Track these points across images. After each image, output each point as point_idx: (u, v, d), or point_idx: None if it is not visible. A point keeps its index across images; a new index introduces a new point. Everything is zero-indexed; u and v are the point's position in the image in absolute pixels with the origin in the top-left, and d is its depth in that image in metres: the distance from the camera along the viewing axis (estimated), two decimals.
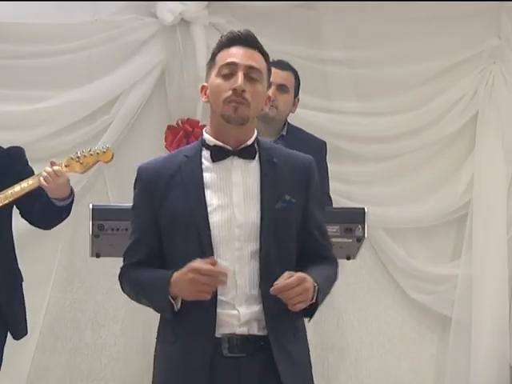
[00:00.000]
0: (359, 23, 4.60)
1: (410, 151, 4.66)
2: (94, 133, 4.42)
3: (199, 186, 2.32)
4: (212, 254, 2.27)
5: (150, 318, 4.45)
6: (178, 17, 4.40)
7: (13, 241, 3.43)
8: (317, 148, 3.59)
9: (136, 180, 2.42)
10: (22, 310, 3.40)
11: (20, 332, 3.40)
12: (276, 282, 2.22)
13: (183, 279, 2.23)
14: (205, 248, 2.28)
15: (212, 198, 2.32)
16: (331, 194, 3.71)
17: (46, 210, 3.35)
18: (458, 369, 4.59)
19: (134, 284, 2.39)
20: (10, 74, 4.35)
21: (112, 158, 3.44)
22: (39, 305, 4.39)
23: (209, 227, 2.29)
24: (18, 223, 3.52)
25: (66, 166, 3.36)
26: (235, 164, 2.35)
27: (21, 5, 4.35)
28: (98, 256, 3.23)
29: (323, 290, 2.33)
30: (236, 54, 2.34)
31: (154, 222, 2.36)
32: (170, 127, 4.46)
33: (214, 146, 2.36)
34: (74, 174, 4.25)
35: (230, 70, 2.32)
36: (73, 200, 3.40)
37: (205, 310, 2.27)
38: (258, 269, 2.29)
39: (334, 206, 3.72)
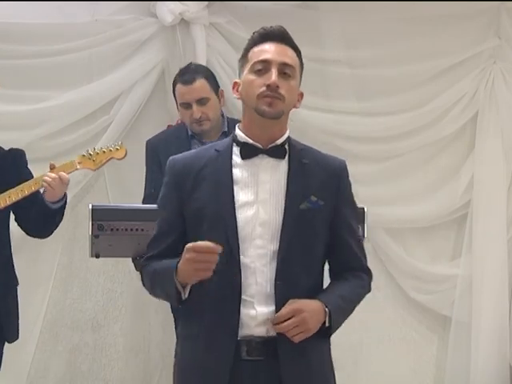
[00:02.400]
0: (359, 23, 4.59)
1: (410, 151, 4.64)
2: (94, 133, 4.42)
3: (228, 183, 2.32)
4: (238, 251, 2.27)
5: (150, 318, 4.51)
6: (178, 17, 4.40)
7: (10, 243, 3.41)
8: None
9: (166, 172, 2.42)
10: (15, 314, 3.36)
11: (12, 335, 3.36)
12: (277, 314, 2.24)
13: (183, 262, 2.21)
14: (231, 244, 2.27)
15: (239, 195, 2.32)
16: None
17: (43, 215, 3.32)
18: (458, 369, 4.58)
19: (150, 275, 2.38)
20: (10, 74, 4.34)
21: (125, 154, 3.45)
22: (39, 305, 4.39)
23: (236, 223, 2.28)
24: None
25: (79, 163, 3.37)
26: (264, 162, 2.35)
27: (21, 5, 4.35)
28: (97, 256, 3.23)
29: (340, 311, 2.32)
30: (269, 50, 2.34)
31: (179, 216, 2.36)
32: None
33: (245, 143, 2.35)
34: (74, 175, 4.29)
35: (263, 67, 2.33)
36: (66, 202, 3.38)
37: (228, 308, 2.27)
38: (275, 268, 2.28)
39: None
